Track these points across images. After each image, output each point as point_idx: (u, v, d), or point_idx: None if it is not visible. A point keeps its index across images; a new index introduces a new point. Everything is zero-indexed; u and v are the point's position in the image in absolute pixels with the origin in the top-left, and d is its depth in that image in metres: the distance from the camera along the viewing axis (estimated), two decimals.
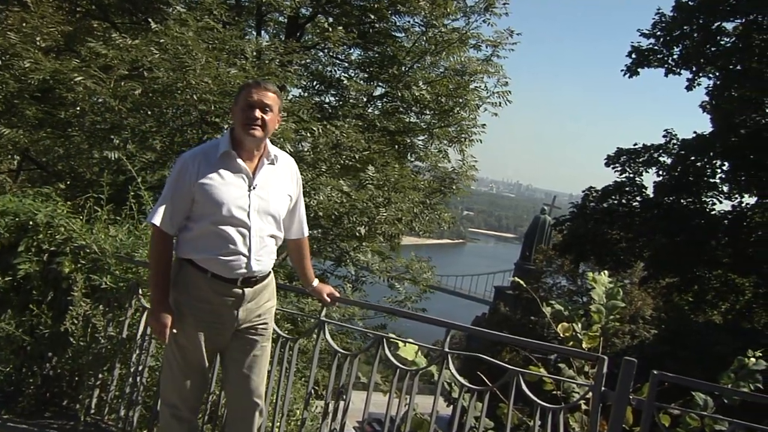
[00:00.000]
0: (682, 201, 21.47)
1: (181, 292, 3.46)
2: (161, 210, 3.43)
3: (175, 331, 3.45)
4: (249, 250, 3.38)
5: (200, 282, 3.40)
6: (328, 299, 3.94)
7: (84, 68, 9.10)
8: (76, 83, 8.82)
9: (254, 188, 3.41)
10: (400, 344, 4.05)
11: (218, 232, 3.34)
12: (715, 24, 20.96)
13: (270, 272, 3.59)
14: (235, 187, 3.37)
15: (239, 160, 3.41)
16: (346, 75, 13.88)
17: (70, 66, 9.24)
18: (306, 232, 3.84)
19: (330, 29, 12.00)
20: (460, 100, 13.39)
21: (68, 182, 9.78)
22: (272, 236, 3.49)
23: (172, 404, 3.55)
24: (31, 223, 4.97)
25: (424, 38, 13.23)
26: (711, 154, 21.04)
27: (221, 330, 3.48)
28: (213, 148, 3.47)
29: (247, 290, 3.44)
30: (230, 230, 3.34)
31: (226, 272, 3.38)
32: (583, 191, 23.65)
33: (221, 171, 3.38)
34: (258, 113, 3.36)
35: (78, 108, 9.17)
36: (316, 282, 3.97)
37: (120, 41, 9.33)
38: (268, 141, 3.51)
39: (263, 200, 3.42)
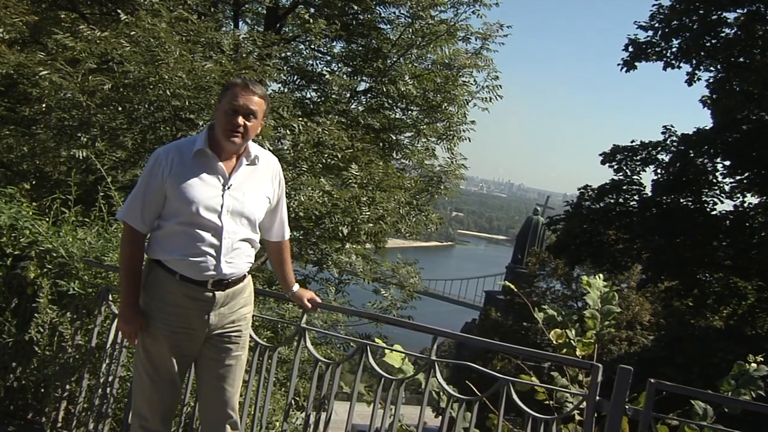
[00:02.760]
0: (681, 200, 21.48)
1: (150, 295, 3.45)
2: (132, 206, 3.43)
3: (144, 336, 3.45)
4: (219, 252, 3.36)
5: (169, 284, 3.40)
6: (309, 305, 3.92)
7: (50, 62, 9.06)
8: (42, 78, 8.78)
9: (229, 188, 3.40)
10: (386, 351, 4.06)
11: (187, 231, 3.34)
12: (716, 15, 21.00)
13: (246, 275, 3.57)
14: (209, 186, 3.36)
15: (215, 159, 3.40)
16: (328, 69, 13.88)
17: (35, 59, 9.20)
18: (287, 235, 3.84)
19: (311, 21, 12.00)
20: (449, 95, 13.40)
21: (33, 182, 9.70)
22: (246, 239, 3.47)
23: (141, 414, 3.54)
24: None
25: (411, 30, 13.24)
26: (711, 151, 21.05)
27: (192, 336, 3.47)
28: (189, 143, 3.46)
29: (218, 294, 3.43)
30: (200, 230, 3.33)
31: (194, 274, 3.36)
32: (579, 189, 23.66)
33: (195, 169, 3.37)
34: (241, 120, 3.35)
35: (44, 104, 9.14)
36: (296, 287, 3.95)
37: (88, 33, 9.30)
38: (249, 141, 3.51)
39: (238, 201, 3.41)
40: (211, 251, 3.35)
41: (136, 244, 3.47)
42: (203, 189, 3.35)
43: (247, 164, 3.49)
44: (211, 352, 3.54)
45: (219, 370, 3.55)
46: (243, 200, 3.43)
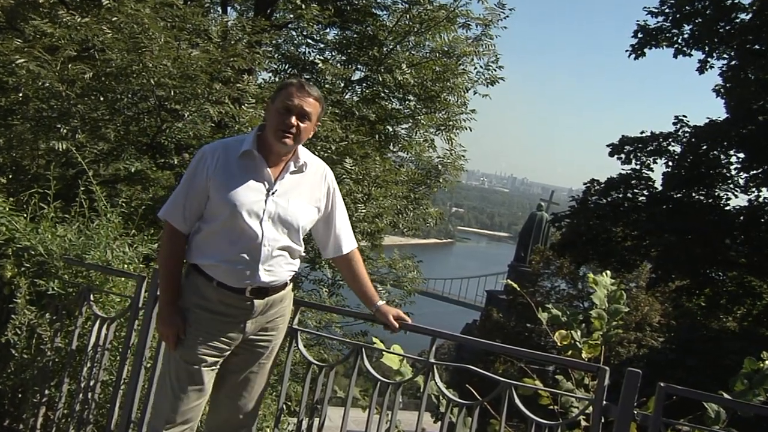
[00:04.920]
0: (693, 195, 21.47)
1: (186, 300, 3.48)
2: (174, 204, 3.48)
3: (178, 343, 3.46)
4: (257, 260, 3.36)
5: (206, 290, 3.42)
6: (396, 324, 3.74)
7: (27, 49, 9.03)
8: (19, 66, 8.75)
9: (273, 194, 3.41)
10: (384, 352, 4.06)
11: (226, 236, 3.36)
12: None
13: (287, 283, 3.58)
14: (252, 190, 3.38)
15: (262, 162, 3.42)
16: (321, 57, 13.87)
17: (11, 46, 9.16)
18: (348, 247, 3.78)
19: (303, 6, 11.98)
20: (448, 84, 13.39)
21: (10, 176, 9.67)
22: (287, 248, 3.47)
23: (169, 419, 3.48)
24: None
25: (408, 16, 13.22)
26: (725, 143, 20.99)
27: (227, 345, 3.49)
28: (236, 143, 3.49)
29: (257, 302, 3.44)
30: (239, 236, 3.34)
31: (232, 281, 3.38)
32: (585, 184, 23.65)
33: (239, 171, 3.40)
34: (294, 120, 3.37)
35: (21, 94, 9.11)
36: (380, 302, 3.81)
37: (68, 19, 9.26)
38: (299, 145, 3.52)
39: (281, 207, 3.41)
40: (249, 258, 3.36)
41: (176, 243, 3.50)
42: (246, 193, 3.36)
43: (294, 170, 3.49)
44: (236, 357, 3.57)
45: (240, 376, 3.59)
46: (287, 207, 3.42)
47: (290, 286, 3.64)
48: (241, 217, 3.32)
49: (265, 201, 3.38)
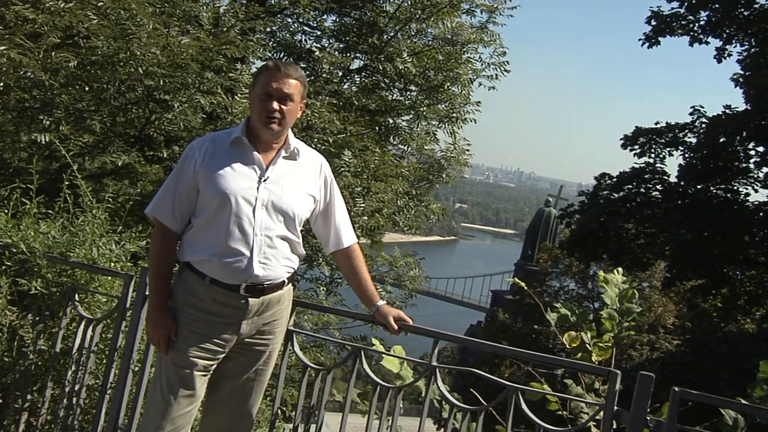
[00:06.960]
0: (710, 189, 21.42)
1: (178, 301, 3.48)
2: (162, 201, 3.49)
3: (169, 346, 3.45)
4: (251, 251, 3.36)
5: (199, 290, 3.42)
6: (395, 326, 3.73)
7: (8, 36, 9.02)
8: None
9: (265, 180, 3.42)
10: (383, 354, 4.05)
11: (217, 226, 3.36)
12: None
13: (284, 283, 3.57)
14: (243, 177, 3.39)
15: (252, 149, 3.44)
16: (318, 45, 13.82)
17: None
18: (348, 241, 3.79)
19: None
20: (451, 74, 13.36)
21: None
22: (283, 238, 3.46)
23: (158, 426, 3.47)
24: None
25: (410, 2, 13.19)
26: (744, 134, 20.94)
27: (223, 348, 3.48)
28: (225, 134, 3.53)
29: (252, 300, 3.43)
30: (230, 225, 3.34)
31: (225, 276, 3.37)
32: (595, 178, 23.60)
33: (229, 158, 3.42)
34: (276, 105, 3.39)
35: (1, 83, 9.09)
36: (381, 302, 3.80)
37: (51, 4, 9.24)
38: (290, 132, 3.54)
39: (275, 195, 3.42)
40: (243, 249, 3.35)
41: (165, 242, 3.51)
42: (237, 179, 3.38)
43: (285, 156, 3.51)
44: (231, 362, 3.56)
45: (235, 382, 3.60)
46: (280, 194, 3.43)
47: (289, 287, 3.63)
48: (232, 206, 3.33)
49: (257, 188, 3.39)
